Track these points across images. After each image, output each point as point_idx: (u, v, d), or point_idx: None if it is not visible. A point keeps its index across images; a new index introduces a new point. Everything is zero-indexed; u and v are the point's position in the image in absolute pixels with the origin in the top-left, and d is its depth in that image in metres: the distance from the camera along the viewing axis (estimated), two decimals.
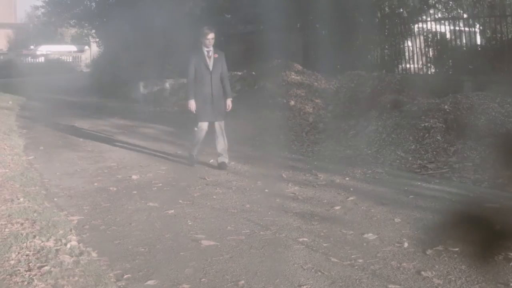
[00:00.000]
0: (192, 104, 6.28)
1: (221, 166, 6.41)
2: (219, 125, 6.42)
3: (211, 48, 6.35)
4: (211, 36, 6.28)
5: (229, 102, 6.45)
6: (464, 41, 10.68)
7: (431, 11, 11.73)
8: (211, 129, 6.43)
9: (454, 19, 11.08)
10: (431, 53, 11.33)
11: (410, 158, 6.55)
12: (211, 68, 6.31)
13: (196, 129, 6.43)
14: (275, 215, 4.63)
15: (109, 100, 14.24)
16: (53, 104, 13.74)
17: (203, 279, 3.33)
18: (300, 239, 4.01)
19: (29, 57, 31.52)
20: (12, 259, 3.50)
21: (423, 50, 11.40)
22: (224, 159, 6.46)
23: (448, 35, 10.94)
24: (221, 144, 6.45)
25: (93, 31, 20.41)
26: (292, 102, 9.68)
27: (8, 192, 5.14)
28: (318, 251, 3.77)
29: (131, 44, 15.06)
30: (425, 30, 11.38)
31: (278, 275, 3.37)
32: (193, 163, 6.59)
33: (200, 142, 6.52)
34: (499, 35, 9.95)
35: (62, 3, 19.13)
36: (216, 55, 6.37)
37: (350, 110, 9.09)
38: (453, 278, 3.27)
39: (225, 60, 6.50)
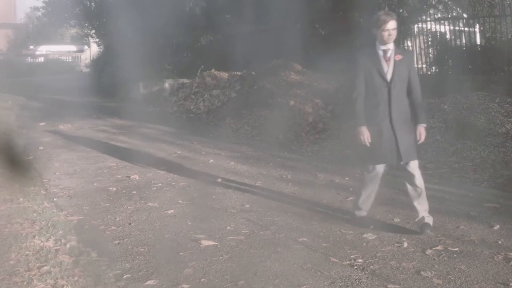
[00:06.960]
0: (365, 133, 4.10)
1: (423, 229, 4.05)
2: (410, 168, 4.16)
3: (391, 46, 4.19)
4: (391, 25, 4.10)
5: (421, 129, 4.18)
6: (464, 41, 10.68)
7: (431, 11, 11.73)
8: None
9: (454, 19, 11.08)
10: (431, 53, 11.33)
11: None
12: (389, 77, 4.09)
13: (366, 175, 4.24)
14: (274, 215, 4.62)
15: (108, 100, 14.25)
16: (53, 104, 13.76)
17: (203, 279, 3.32)
18: (300, 239, 4.01)
19: (29, 57, 31.55)
20: (12, 259, 3.50)
21: (423, 50, 11.39)
22: (429, 218, 4.11)
23: (448, 35, 10.93)
24: (418, 195, 4.17)
25: (93, 31, 20.43)
26: (292, 102, 9.67)
27: (8, 192, 5.14)
28: (318, 251, 3.77)
29: (130, 44, 15.07)
30: (425, 30, 11.38)
31: (278, 275, 3.36)
32: (367, 225, 4.24)
33: (374, 195, 4.32)
34: (499, 35, 9.95)
35: (62, 3, 19.17)
36: (400, 57, 4.15)
37: (350, 110, 9.08)
38: (452, 278, 3.26)
39: (414, 64, 4.35)
